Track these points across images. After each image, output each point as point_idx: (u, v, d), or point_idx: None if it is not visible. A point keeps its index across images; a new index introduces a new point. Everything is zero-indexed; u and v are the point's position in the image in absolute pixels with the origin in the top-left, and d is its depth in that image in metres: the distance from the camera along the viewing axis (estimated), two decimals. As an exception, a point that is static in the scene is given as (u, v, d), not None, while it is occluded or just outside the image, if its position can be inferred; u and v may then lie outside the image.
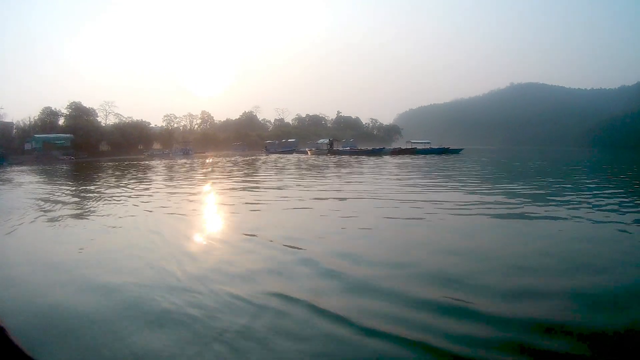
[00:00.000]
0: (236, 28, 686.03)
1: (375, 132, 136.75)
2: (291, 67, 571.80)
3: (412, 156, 42.55)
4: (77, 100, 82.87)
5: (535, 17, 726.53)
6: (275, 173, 21.61)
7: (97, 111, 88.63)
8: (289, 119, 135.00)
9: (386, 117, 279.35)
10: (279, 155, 57.64)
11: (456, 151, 50.18)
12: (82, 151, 70.91)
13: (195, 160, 43.13)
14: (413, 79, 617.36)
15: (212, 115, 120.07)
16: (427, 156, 41.89)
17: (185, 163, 37.94)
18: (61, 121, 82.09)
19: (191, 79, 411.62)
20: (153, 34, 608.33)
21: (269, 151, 68.00)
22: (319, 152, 57.32)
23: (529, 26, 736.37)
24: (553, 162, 31.58)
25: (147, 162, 41.16)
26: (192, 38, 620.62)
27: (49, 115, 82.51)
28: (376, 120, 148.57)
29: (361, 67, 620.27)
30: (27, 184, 18.91)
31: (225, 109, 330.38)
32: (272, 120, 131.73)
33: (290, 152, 67.02)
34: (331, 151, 55.95)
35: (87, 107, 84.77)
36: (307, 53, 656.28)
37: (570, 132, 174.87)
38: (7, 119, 78.94)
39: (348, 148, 58.71)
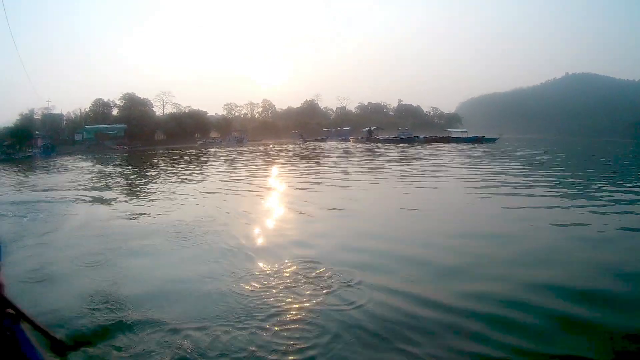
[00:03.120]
0: (301, 17, 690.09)
1: (436, 120, 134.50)
2: (355, 56, 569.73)
3: (446, 145, 43.70)
4: (131, 92, 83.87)
5: (590, 6, 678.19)
6: (281, 162, 23.78)
7: (152, 102, 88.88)
8: (351, 107, 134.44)
9: (449, 106, 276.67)
10: (312, 143, 59.15)
11: (491, 140, 50.16)
12: (137, 141, 71.19)
13: (243, 149, 45.16)
14: (476, 67, 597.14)
15: (273, 103, 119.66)
16: (460, 144, 42.91)
17: (230, 150, 40.91)
18: (114, 112, 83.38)
19: (253, 69, 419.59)
20: (212, 26, 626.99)
21: (305, 139, 68.55)
22: (360, 140, 58.91)
23: (585, 14, 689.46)
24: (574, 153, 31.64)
25: (189, 151, 42.96)
26: (254, 28, 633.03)
27: (101, 107, 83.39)
28: (437, 109, 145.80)
29: (424, 56, 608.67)
30: (73, 169, 22.84)
31: (289, 97, 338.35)
32: (334, 109, 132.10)
33: (325, 139, 67.71)
34: (370, 139, 57.41)
35: (142, 97, 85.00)
36: (370, 42, 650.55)
37: (619, 124, 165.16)
38: (56, 112, 79.83)
39: (387, 137, 59.49)
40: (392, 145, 42.51)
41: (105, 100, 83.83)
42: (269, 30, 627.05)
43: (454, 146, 39.31)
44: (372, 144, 47.79)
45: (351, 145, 48.11)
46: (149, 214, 8.01)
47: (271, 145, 50.07)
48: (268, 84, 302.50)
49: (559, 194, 9.37)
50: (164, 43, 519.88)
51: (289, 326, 3.09)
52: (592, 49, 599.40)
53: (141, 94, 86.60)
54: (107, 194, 11.24)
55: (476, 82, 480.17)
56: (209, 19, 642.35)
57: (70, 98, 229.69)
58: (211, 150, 42.94)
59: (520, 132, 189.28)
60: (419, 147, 38.04)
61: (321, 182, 12.62)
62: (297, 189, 11.29)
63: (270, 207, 8.81)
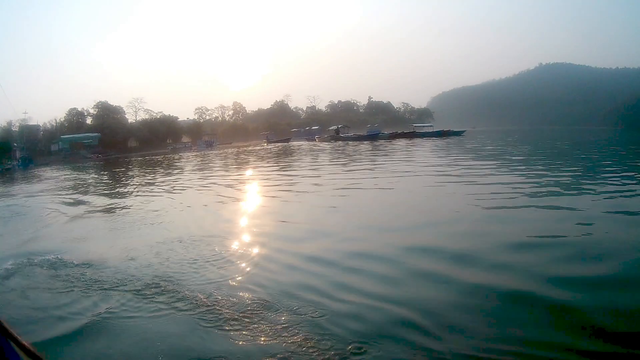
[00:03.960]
0: (268, 19, 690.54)
1: (407, 116, 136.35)
2: (323, 56, 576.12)
3: (411, 140, 45.24)
4: (103, 99, 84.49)
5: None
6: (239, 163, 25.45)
7: (125, 109, 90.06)
8: (322, 106, 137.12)
9: (421, 101, 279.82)
10: (276, 144, 59.57)
11: (457, 133, 51.86)
12: (111, 149, 71.50)
13: (211, 152, 46.48)
14: (445, 62, 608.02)
15: (244, 106, 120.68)
16: (424, 139, 44.59)
17: (195, 155, 42.07)
18: (88, 121, 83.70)
19: (224, 72, 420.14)
20: (184, 30, 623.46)
21: (269, 141, 68.79)
22: (325, 139, 60.32)
23: (553, 5, 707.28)
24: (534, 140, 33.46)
25: (157, 157, 44.48)
26: (225, 31, 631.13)
27: (76, 116, 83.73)
28: (408, 104, 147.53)
29: (393, 53, 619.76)
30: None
31: (259, 99, 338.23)
32: (304, 108, 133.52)
33: (287, 140, 67.59)
34: (336, 138, 58.99)
35: (114, 105, 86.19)
36: (339, 41, 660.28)
37: (598, 112, 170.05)
38: (33, 122, 79.32)
39: (352, 134, 61.41)
40: (356, 143, 43.82)
41: (80, 109, 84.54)
42: (240, 31, 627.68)
43: (417, 141, 40.67)
44: (337, 143, 48.75)
45: (317, 144, 49.07)
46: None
47: (234, 149, 50.50)
48: (239, 87, 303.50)
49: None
50: (137, 48, 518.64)
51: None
52: (567, 38, 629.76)
53: (114, 101, 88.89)
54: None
55: (448, 76, 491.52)
56: (181, 23, 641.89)
57: (46, 108, 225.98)
58: (174, 156, 43.76)
59: (494, 124, 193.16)
60: (380, 144, 39.29)
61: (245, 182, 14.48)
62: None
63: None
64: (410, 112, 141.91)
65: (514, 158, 17.33)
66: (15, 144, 63.22)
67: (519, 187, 9.12)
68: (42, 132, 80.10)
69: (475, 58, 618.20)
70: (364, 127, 68.04)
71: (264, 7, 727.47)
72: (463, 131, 54.43)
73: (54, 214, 10.10)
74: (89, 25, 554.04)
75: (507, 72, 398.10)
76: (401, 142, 39.87)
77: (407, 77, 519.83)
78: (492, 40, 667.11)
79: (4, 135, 67.68)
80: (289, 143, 60.11)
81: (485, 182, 10.30)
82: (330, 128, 71.58)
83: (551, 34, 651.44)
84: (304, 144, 54.10)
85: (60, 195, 14.88)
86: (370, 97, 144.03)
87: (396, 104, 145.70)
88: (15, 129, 74.73)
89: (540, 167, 13.41)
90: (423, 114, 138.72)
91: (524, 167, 13.48)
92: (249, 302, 3.75)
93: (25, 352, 1.09)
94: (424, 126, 58.22)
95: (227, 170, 19.40)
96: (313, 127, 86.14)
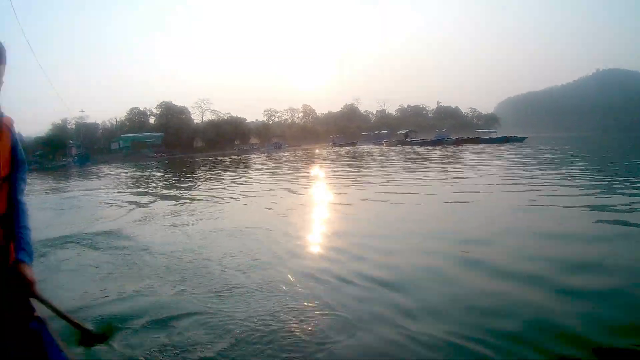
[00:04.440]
0: (341, 23, 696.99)
1: (475, 121, 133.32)
2: (395, 59, 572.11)
3: (476, 145, 43.88)
4: (167, 100, 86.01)
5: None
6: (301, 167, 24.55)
7: (191, 109, 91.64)
8: (391, 109, 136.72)
9: (487, 106, 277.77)
10: (342, 147, 59.47)
11: (520, 139, 49.87)
12: (174, 149, 72.01)
13: (280, 155, 45.78)
14: (512, 67, 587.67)
15: (313, 108, 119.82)
16: (488, 145, 43.07)
17: (265, 157, 41.74)
18: (151, 120, 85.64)
19: (293, 74, 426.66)
20: (253, 31, 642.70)
21: (335, 144, 67.73)
22: (392, 143, 59.91)
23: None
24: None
25: (225, 158, 45.27)
26: (294, 33, 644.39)
27: (137, 115, 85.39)
28: (475, 110, 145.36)
29: (462, 58, 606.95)
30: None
31: (330, 102, 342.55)
32: (374, 112, 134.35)
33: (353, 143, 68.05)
34: (402, 142, 58.42)
35: (179, 105, 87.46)
36: (409, 45, 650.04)
37: None
38: (90, 121, 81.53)
39: (419, 139, 59.99)
40: (422, 148, 42.78)
41: (142, 109, 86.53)
42: (311, 34, 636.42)
43: (482, 147, 39.36)
44: (403, 147, 48.36)
45: (382, 148, 49.21)
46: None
47: (302, 152, 50.74)
48: (308, 89, 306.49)
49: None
50: (203, 49, 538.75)
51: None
52: (622, 44, 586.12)
53: (179, 101, 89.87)
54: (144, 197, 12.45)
55: (512, 81, 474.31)
56: (249, 24, 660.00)
57: (104, 109, 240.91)
58: (243, 157, 44.25)
59: (555, 130, 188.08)
60: (445, 149, 38.06)
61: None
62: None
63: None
64: (478, 118, 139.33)
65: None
66: (71, 141, 64.65)
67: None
68: (100, 131, 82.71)
69: (538, 63, 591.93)
70: (432, 132, 66.68)
71: (334, 9, 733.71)
72: (525, 138, 51.93)
73: (114, 208, 9.79)
74: (153, 26, 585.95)
75: (568, 78, 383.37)
76: (467, 148, 38.49)
77: (473, 82, 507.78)
78: (554, 45, 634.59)
79: (57, 133, 69.24)
80: (356, 147, 59.73)
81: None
82: (399, 132, 70.37)
83: (608, 39, 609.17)
84: (371, 147, 53.90)
85: (121, 191, 14.89)
86: (438, 102, 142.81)
87: (464, 109, 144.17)
88: (71, 126, 76.73)
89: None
90: (490, 120, 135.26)
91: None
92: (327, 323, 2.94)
93: (75, 326, 1.31)
94: (488, 132, 56.39)
95: (296, 173, 18.94)
96: (382, 131, 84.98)
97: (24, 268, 1.54)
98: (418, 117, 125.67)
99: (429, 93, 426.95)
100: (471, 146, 41.75)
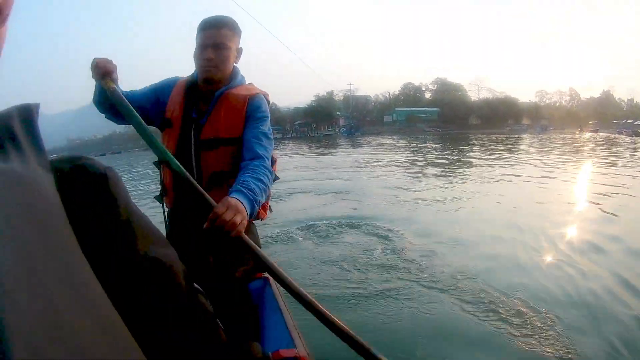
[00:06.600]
0: None
1: None
2: None
3: None
4: (442, 77, 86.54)
5: None
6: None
7: (467, 86, 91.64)
8: None
9: None
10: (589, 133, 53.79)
11: None
12: (449, 124, 72.72)
13: (546, 136, 44.54)
14: None
15: (578, 92, 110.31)
16: None
17: (536, 138, 40.29)
18: (427, 95, 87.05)
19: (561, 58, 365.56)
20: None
21: (581, 130, 60.97)
22: (630, 133, 49.86)
23: None
24: None
25: (498, 136, 44.78)
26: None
27: (412, 90, 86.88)
28: None
29: None
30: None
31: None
32: (626, 100, 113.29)
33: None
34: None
35: (455, 82, 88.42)
36: None
37: None
38: (360, 94, 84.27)
39: None
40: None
41: (417, 84, 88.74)
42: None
43: None
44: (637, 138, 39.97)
45: (624, 138, 41.21)
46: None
47: (567, 135, 47.68)
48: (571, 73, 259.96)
49: None
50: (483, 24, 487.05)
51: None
52: None
53: (453, 79, 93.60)
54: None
55: None
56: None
57: (375, 84, 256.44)
58: (516, 137, 43.57)
59: None
60: None
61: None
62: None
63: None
64: None
65: None
66: (338, 113, 68.83)
67: None
68: (373, 103, 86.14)
69: None
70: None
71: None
72: None
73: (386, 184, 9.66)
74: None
75: None
76: None
77: None
78: None
79: (321, 104, 71.97)
80: (597, 134, 53.06)
81: None
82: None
83: None
84: (616, 137, 45.79)
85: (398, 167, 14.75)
86: None
87: None
88: (338, 98, 79.67)
89: None
90: None
91: None
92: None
93: (292, 293, 1.01)
94: None
95: (574, 159, 16.39)
96: (636, 122, 70.87)
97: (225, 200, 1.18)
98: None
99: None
100: None
